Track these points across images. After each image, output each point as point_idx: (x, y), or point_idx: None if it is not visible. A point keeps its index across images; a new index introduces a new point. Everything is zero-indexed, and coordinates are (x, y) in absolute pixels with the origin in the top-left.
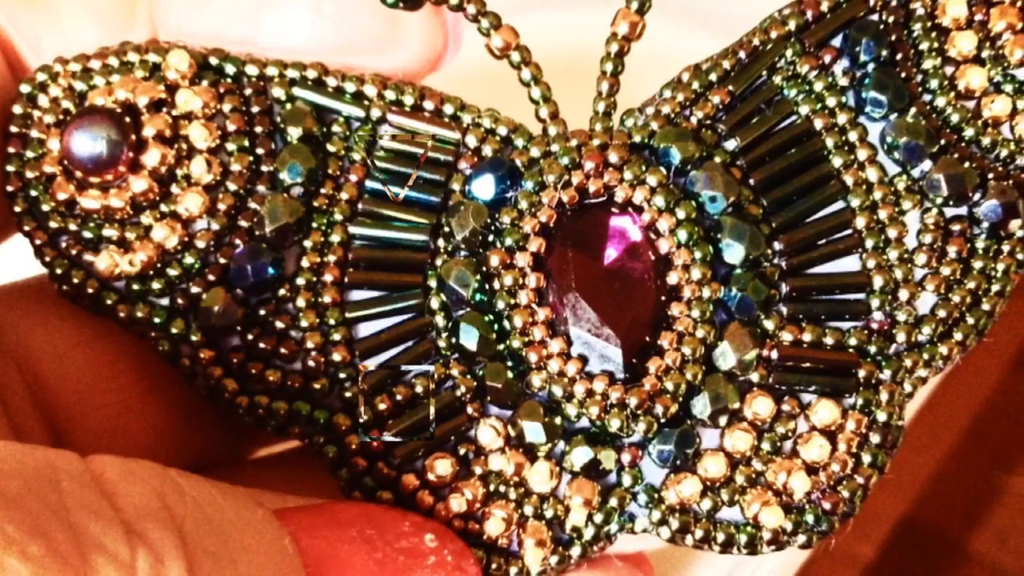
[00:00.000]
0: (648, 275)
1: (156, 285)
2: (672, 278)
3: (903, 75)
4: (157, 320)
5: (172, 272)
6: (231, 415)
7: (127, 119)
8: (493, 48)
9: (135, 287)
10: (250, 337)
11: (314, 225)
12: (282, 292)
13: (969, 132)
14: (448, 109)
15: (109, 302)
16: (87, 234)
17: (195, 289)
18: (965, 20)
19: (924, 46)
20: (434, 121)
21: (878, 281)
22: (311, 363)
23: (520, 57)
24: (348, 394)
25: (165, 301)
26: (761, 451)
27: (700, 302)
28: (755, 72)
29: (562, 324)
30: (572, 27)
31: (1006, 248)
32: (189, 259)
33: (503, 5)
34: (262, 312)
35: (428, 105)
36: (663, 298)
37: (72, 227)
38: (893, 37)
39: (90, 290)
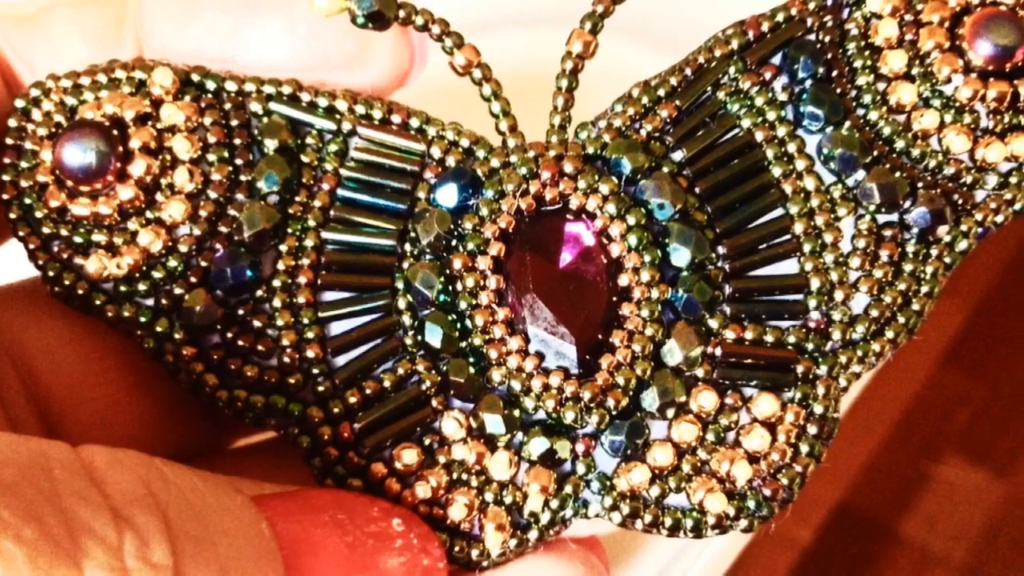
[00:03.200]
0: (600, 277)
1: (142, 287)
2: (623, 280)
3: (838, 91)
4: (143, 319)
5: (156, 274)
6: (211, 408)
7: (115, 132)
8: (456, 66)
9: (122, 288)
10: (229, 335)
11: (289, 231)
12: (259, 293)
13: (900, 144)
14: (414, 122)
15: (98, 302)
16: (77, 239)
17: (178, 290)
18: (896, 39)
19: (858, 64)
20: (401, 133)
21: (815, 283)
22: (286, 359)
23: (481, 74)
24: (321, 388)
25: (150, 301)
26: (706, 441)
27: (649, 302)
28: (700, 88)
29: (520, 323)
30: (530, 46)
31: (934, 252)
32: (172, 262)
33: (465, 25)
34: (240, 312)
35: (395, 119)
36: (614, 299)
37: (64, 232)
38: (829, 55)
39: (80, 291)
